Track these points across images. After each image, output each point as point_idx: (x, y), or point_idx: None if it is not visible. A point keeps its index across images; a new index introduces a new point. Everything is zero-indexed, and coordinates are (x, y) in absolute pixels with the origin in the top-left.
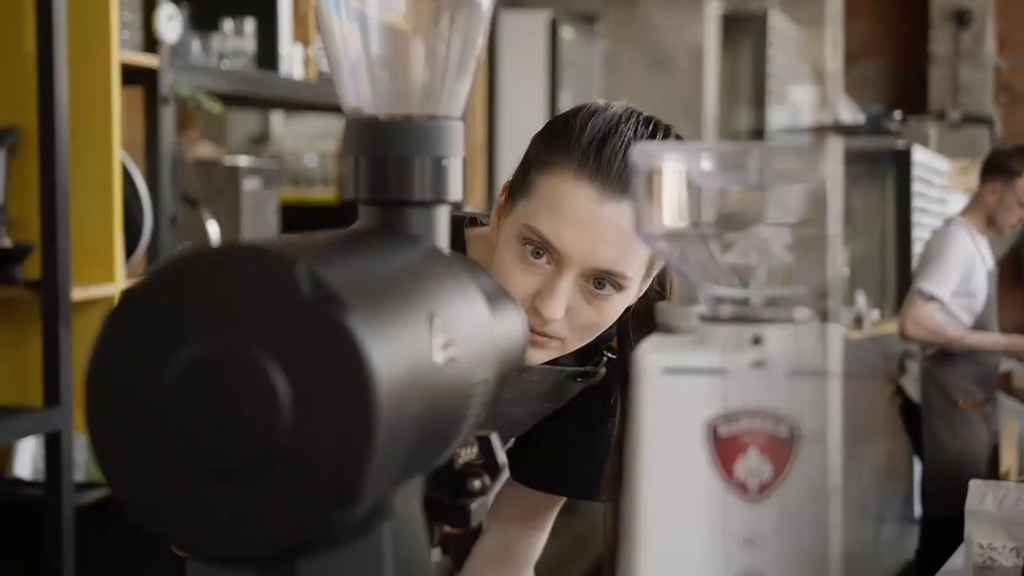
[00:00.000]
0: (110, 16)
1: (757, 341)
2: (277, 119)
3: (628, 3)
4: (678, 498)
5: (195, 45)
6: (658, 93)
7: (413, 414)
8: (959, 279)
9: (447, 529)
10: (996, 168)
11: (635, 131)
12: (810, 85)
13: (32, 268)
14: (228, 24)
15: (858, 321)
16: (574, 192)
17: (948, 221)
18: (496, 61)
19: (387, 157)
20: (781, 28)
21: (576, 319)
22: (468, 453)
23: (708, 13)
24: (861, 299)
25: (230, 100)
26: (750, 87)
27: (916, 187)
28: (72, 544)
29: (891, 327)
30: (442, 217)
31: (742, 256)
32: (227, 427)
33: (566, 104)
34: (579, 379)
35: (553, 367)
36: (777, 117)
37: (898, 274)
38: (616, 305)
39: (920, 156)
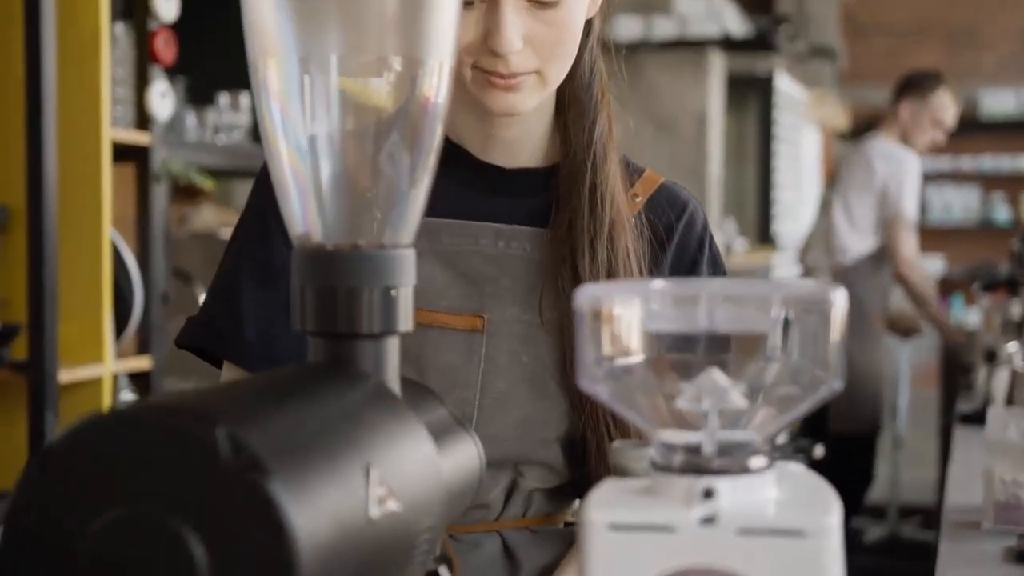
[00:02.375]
0: (101, 93)
1: (709, 494)
2: None
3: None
4: None
5: (190, 119)
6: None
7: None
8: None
9: None
10: (911, 86)
11: None
12: None
13: (19, 349)
14: (223, 98)
15: (727, 250)
16: None
17: (862, 139)
18: None
19: (334, 288)
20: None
21: (539, 45)
22: None
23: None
24: (731, 226)
25: (225, 173)
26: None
27: (776, 115)
28: None
29: (760, 257)
30: (392, 349)
31: (693, 401)
32: None
33: None
34: None
35: (544, 230)
36: (662, 28)
37: (759, 202)
38: (573, 11)
39: (782, 84)
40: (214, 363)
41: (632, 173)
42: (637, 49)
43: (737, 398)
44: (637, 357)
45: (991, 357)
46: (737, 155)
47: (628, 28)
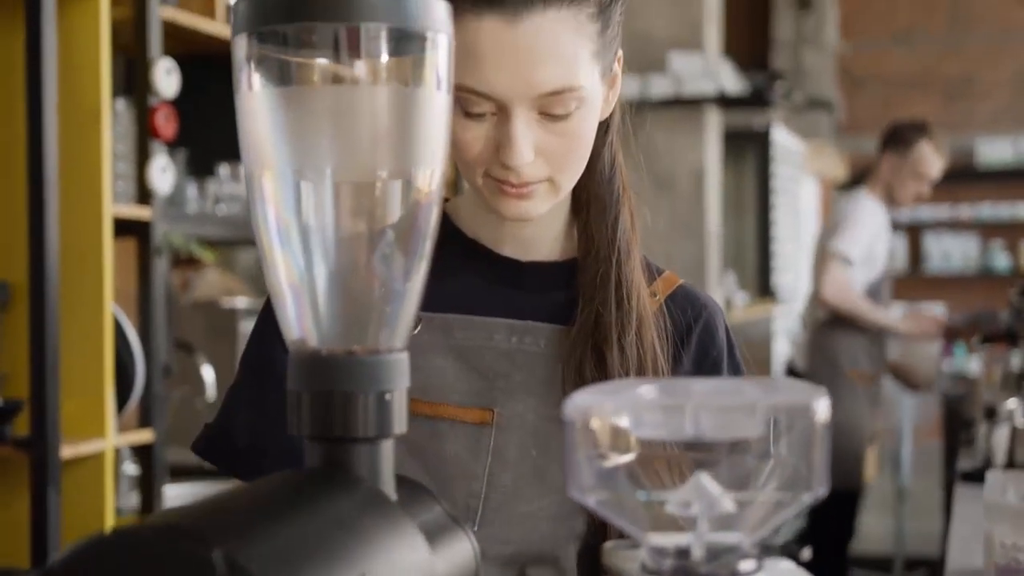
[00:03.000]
0: (102, 169)
1: None
2: None
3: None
4: None
5: (191, 190)
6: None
7: None
8: (867, 245)
9: None
10: (892, 139)
11: None
12: (693, 52)
13: (21, 425)
14: (224, 169)
15: (728, 304)
16: (478, 28)
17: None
18: None
19: (330, 393)
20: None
21: (550, 155)
22: None
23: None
24: (731, 280)
25: (227, 243)
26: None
27: (774, 168)
28: None
29: (760, 311)
30: (387, 452)
31: (682, 506)
32: None
33: None
34: None
35: (559, 326)
36: (659, 86)
37: (758, 255)
38: (585, 120)
39: (779, 137)
40: None
41: (651, 272)
42: (634, 107)
43: (726, 502)
44: (626, 463)
45: (991, 414)
46: (736, 208)
47: (625, 87)
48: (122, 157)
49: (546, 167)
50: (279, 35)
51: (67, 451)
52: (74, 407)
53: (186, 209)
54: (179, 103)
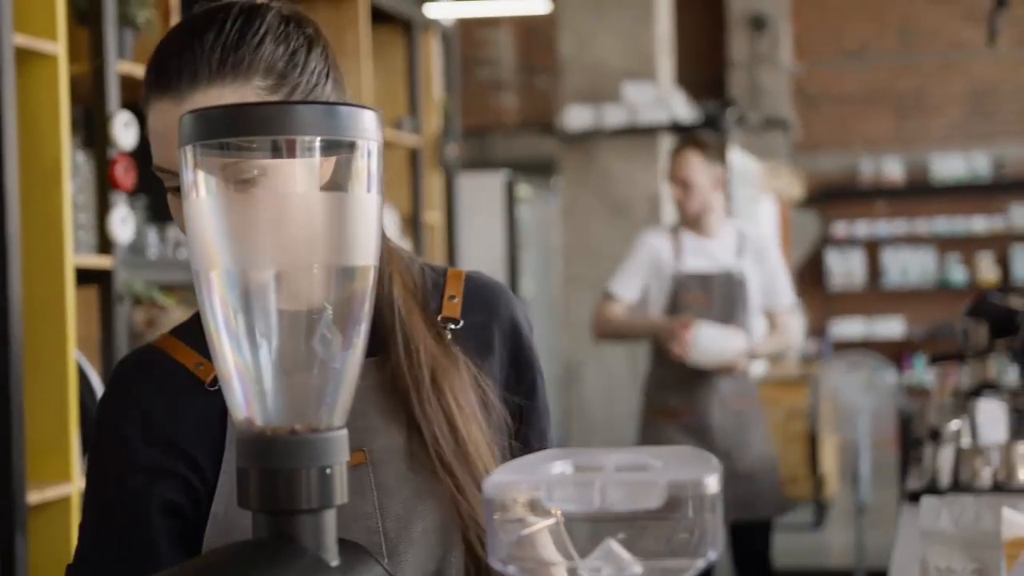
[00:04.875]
0: (64, 220)
1: None
2: None
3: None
4: None
5: (152, 236)
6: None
7: None
8: (644, 280)
9: None
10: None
11: (204, 22)
12: (646, 82)
13: None
14: None
15: None
16: (155, 111)
17: None
18: (455, 222)
19: (275, 470)
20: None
21: None
22: None
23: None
24: None
25: (190, 287)
26: None
27: (731, 189)
28: None
29: None
30: (329, 521)
31: (593, 571)
32: None
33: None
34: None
35: (370, 358)
36: (613, 116)
37: None
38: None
39: (735, 158)
40: None
41: (437, 277)
42: (590, 136)
43: (634, 566)
44: (540, 534)
45: (935, 435)
46: None
47: (580, 117)
48: (83, 208)
49: None
50: (223, 146)
51: (33, 497)
52: (39, 453)
53: (147, 255)
54: (138, 151)
